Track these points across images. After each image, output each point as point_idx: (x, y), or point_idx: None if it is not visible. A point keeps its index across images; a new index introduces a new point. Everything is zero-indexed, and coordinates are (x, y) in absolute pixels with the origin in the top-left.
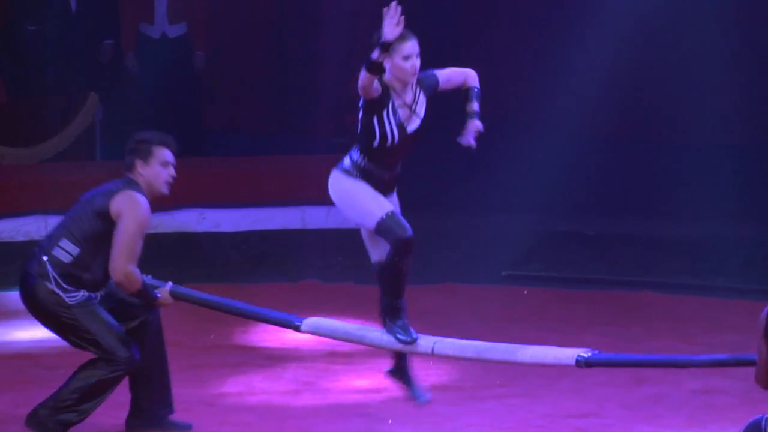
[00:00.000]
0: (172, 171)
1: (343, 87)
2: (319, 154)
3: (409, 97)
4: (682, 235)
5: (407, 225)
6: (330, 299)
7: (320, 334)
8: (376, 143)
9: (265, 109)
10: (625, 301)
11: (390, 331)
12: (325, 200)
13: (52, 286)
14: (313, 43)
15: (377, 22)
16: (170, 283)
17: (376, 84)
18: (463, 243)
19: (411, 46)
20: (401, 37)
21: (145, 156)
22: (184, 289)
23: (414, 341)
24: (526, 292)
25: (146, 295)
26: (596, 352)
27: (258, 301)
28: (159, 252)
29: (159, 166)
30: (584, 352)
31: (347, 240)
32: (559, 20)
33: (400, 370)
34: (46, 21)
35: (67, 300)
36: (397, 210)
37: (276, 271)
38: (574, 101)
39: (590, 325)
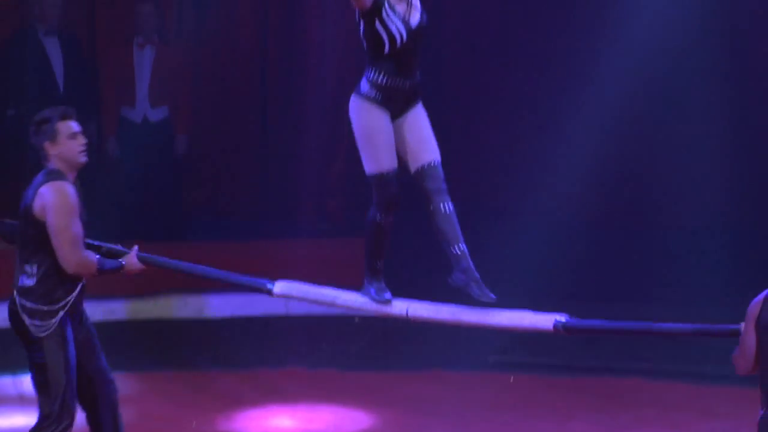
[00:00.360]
0: (81, 140)
1: (325, 172)
2: (301, 239)
3: None
4: (667, 320)
5: (397, 187)
6: (314, 385)
7: (292, 297)
8: (386, 49)
9: (247, 194)
10: (613, 388)
11: (365, 292)
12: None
13: (24, 316)
14: (296, 128)
15: None
16: (136, 248)
17: None
18: (449, 328)
19: None
20: None
21: (51, 136)
22: (150, 255)
23: (388, 302)
24: (512, 378)
25: (107, 271)
26: (574, 317)
27: (242, 388)
28: (141, 338)
29: (68, 141)
30: (561, 317)
31: (331, 326)
32: (543, 104)
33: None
34: (29, 104)
35: (33, 333)
36: (425, 127)
37: (259, 357)
38: (559, 187)
39: (578, 412)
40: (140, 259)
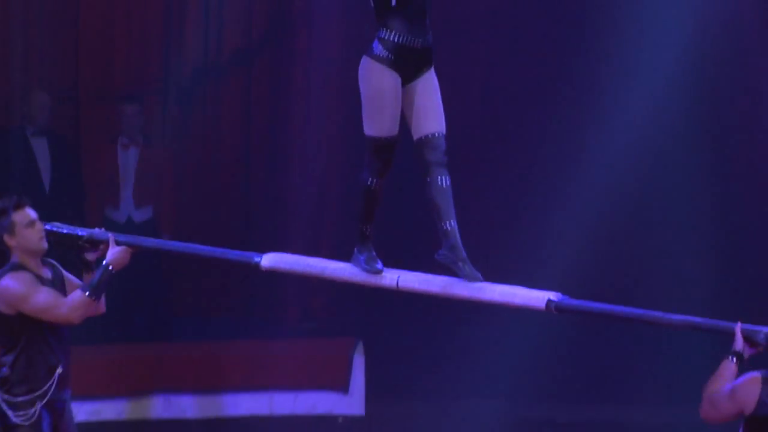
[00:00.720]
0: (39, 226)
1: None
2: (285, 339)
3: None
4: (652, 422)
5: (393, 153)
6: None
7: (281, 269)
8: (393, 1)
9: (232, 294)
10: None
11: (356, 263)
12: (293, 386)
13: (3, 405)
14: (280, 228)
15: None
16: (111, 236)
17: None
18: (433, 429)
19: None
20: None
21: (9, 228)
22: (127, 237)
23: (379, 272)
24: None
25: (102, 287)
26: (566, 297)
27: None
28: None
29: (25, 230)
30: (554, 296)
31: (315, 426)
32: (530, 192)
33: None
34: None
35: (12, 420)
36: (435, 95)
37: None
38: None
39: None
40: (120, 243)
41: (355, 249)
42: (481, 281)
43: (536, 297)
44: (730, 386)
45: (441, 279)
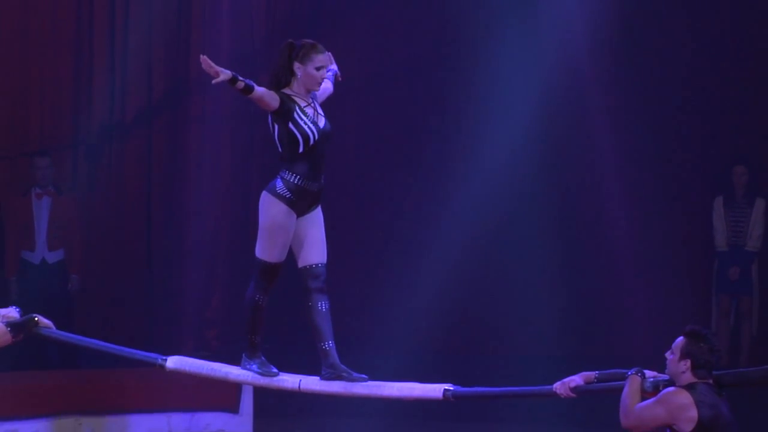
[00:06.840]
0: None
1: (205, 306)
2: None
3: (310, 99)
4: None
5: (278, 275)
6: None
7: (186, 371)
8: (301, 148)
9: (134, 327)
10: None
11: (246, 368)
12: (189, 407)
13: None
14: (178, 269)
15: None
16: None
17: (268, 96)
18: None
19: (324, 58)
20: (316, 49)
21: None
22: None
23: (275, 374)
24: None
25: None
26: (458, 386)
27: None
28: None
29: None
30: (449, 387)
31: None
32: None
33: (332, 366)
34: None
35: None
36: (320, 230)
37: None
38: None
39: None
40: (10, 325)
41: (244, 355)
42: (366, 380)
43: (433, 389)
44: (653, 399)
45: (341, 382)
